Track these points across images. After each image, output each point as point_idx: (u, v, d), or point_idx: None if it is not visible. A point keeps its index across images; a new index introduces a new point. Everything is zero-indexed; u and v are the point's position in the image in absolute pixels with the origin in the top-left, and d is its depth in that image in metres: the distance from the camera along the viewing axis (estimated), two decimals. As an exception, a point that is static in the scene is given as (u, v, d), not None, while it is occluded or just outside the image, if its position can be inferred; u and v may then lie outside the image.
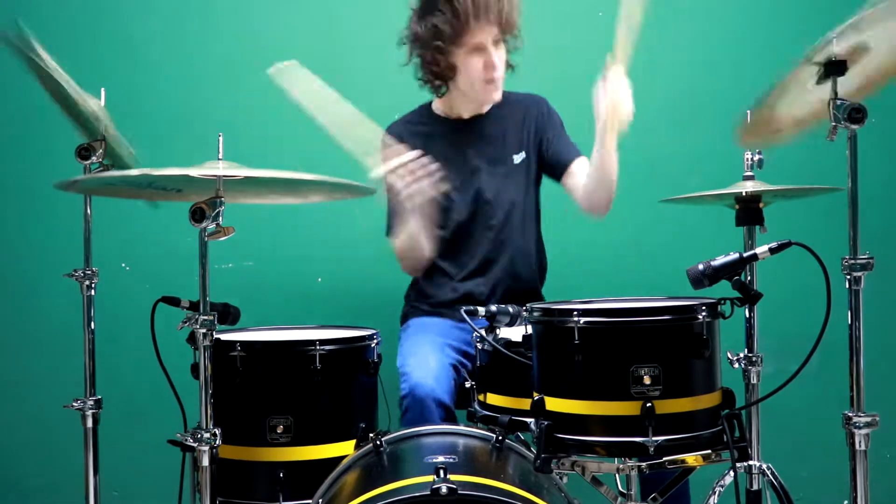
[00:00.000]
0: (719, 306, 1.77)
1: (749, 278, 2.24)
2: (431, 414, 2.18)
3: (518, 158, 2.59)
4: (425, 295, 2.59)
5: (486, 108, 2.58)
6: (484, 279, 2.53)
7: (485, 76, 2.46)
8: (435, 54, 2.43)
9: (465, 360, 2.39)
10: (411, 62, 2.53)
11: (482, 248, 2.54)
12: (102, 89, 2.22)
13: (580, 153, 2.60)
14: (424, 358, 2.29)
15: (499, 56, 2.46)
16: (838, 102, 1.77)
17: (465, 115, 2.59)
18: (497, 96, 2.54)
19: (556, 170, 2.61)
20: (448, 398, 2.23)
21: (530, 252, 2.61)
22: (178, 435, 1.86)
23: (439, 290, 2.57)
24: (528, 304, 1.84)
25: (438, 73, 2.47)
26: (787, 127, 2.08)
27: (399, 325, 2.66)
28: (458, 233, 2.54)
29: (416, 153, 2.29)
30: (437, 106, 2.62)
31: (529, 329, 1.84)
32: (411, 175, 2.28)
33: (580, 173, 2.55)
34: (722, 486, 2.27)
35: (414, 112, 2.65)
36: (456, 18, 2.36)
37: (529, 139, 2.61)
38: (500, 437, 1.86)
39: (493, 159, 2.57)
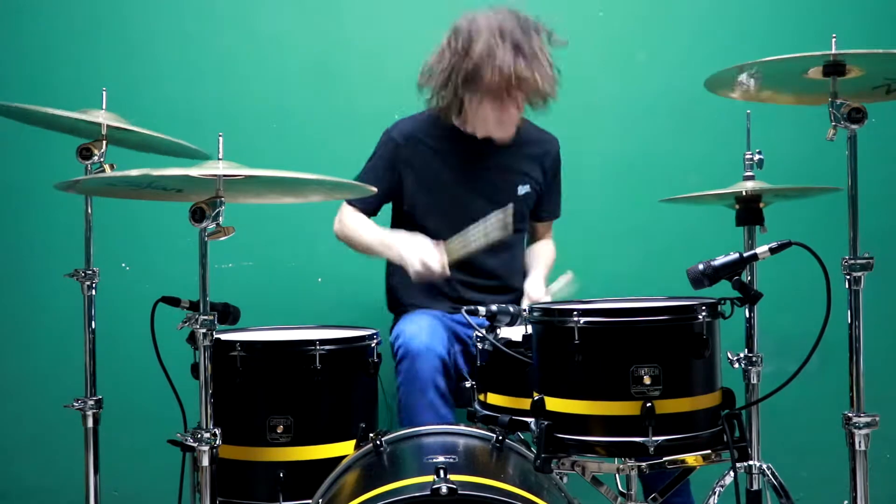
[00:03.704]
0: (719, 306, 1.77)
1: (749, 278, 2.24)
2: (426, 364, 2.19)
3: (522, 190, 2.60)
4: (407, 291, 2.60)
5: (499, 134, 2.55)
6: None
7: (498, 118, 2.46)
8: (453, 97, 2.46)
9: (458, 344, 2.40)
10: (426, 89, 2.53)
11: (478, 279, 2.56)
12: (103, 89, 2.21)
13: (558, 214, 2.77)
14: (417, 322, 2.33)
15: (517, 107, 2.46)
16: (838, 103, 1.77)
17: (479, 135, 2.54)
18: (507, 138, 2.52)
19: (535, 216, 2.73)
20: (445, 353, 2.24)
21: (515, 279, 2.64)
22: (178, 435, 1.86)
23: (429, 296, 2.57)
24: (528, 304, 1.84)
25: (450, 106, 2.50)
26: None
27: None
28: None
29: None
30: (453, 116, 2.56)
31: (529, 329, 1.84)
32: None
33: (542, 230, 2.77)
34: (722, 486, 2.26)
35: (425, 116, 2.59)
36: (497, 83, 2.37)
37: (538, 175, 2.63)
38: (500, 437, 1.86)
39: (499, 187, 2.57)
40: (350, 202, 2.59)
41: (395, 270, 2.63)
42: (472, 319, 2.05)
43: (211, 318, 1.82)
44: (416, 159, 2.50)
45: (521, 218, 2.63)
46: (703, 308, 1.72)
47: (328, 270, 3.00)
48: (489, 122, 2.47)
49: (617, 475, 2.11)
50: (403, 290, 2.61)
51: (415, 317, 2.42)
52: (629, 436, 1.66)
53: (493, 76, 2.34)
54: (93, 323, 2.23)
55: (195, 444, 1.81)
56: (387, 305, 2.69)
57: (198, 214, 1.75)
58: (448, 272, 2.38)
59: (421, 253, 2.38)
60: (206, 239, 1.80)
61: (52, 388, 2.63)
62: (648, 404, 1.63)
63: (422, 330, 2.27)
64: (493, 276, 2.58)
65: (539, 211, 2.71)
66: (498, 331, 2.07)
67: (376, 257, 2.59)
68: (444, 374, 2.23)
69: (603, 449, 1.69)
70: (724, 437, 1.71)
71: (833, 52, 1.76)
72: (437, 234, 2.45)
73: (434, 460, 1.71)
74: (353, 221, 2.59)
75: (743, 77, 1.93)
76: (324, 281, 3.00)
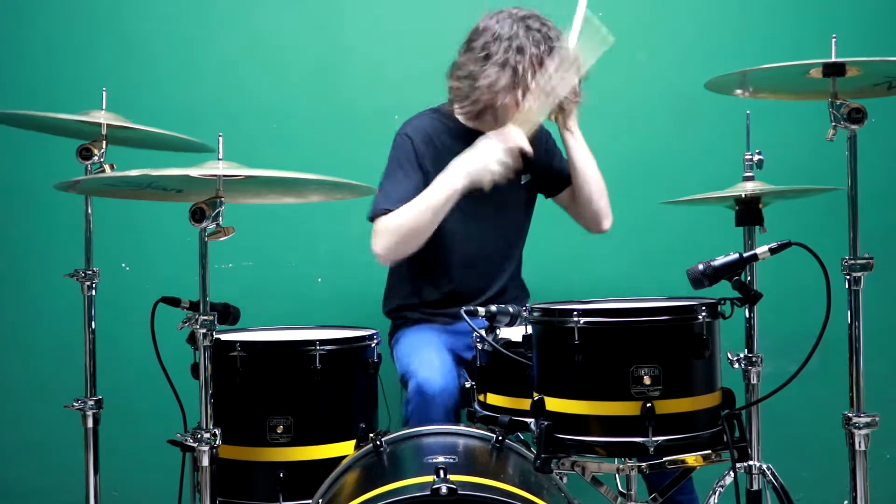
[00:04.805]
0: (719, 306, 1.77)
1: (749, 278, 2.24)
2: (439, 409, 2.16)
3: (524, 179, 2.59)
4: (412, 303, 2.58)
5: None
6: (474, 300, 2.52)
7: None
8: (477, 94, 2.41)
9: (461, 366, 2.39)
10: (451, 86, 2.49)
11: (478, 267, 2.54)
12: (103, 89, 2.21)
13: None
14: (429, 359, 2.27)
15: None
16: (838, 103, 1.77)
17: (486, 130, 2.50)
18: None
19: (564, 183, 2.64)
20: (457, 392, 2.21)
21: (518, 272, 2.65)
22: (178, 435, 1.86)
23: (428, 295, 2.56)
24: (527, 304, 1.84)
25: (472, 101, 2.44)
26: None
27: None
28: (461, 244, 2.52)
29: None
30: (460, 114, 2.54)
31: (529, 329, 1.84)
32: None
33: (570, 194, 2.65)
34: (722, 487, 2.26)
35: (434, 113, 2.57)
36: (515, 87, 2.35)
37: (532, 160, 2.62)
38: (500, 437, 1.86)
39: (505, 179, 2.57)
40: (387, 210, 2.39)
41: (395, 274, 2.63)
42: (471, 321, 2.04)
43: (211, 318, 1.82)
44: (431, 158, 2.49)
45: (525, 207, 2.63)
46: (703, 308, 1.72)
47: (328, 270, 3.00)
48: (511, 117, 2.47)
49: (617, 475, 2.12)
50: (403, 299, 2.60)
51: (423, 348, 2.35)
52: (629, 436, 1.66)
53: (527, 92, 2.35)
54: (93, 323, 2.23)
55: (195, 444, 1.81)
56: (382, 309, 2.67)
57: (198, 214, 1.75)
58: (529, 147, 2.32)
59: (491, 149, 2.30)
60: (206, 239, 1.80)
61: (52, 389, 2.64)
62: (648, 404, 1.63)
63: (434, 370, 2.21)
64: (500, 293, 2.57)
65: (558, 181, 2.65)
66: (497, 331, 2.07)
67: (443, 213, 2.36)
68: (455, 415, 2.21)
69: (603, 449, 1.69)
70: (724, 437, 1.71)
71: (833, 59, 1.78)
72: (451, 234, 2.45)
73: (434, 460, 1.71)
74: (393, 217, 2.37)
75: (743, 81, 1.94)
76: (324, 281, 3.00)
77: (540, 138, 2.65)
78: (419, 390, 2.18)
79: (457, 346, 2.42)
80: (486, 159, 2.32)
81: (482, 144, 2.35)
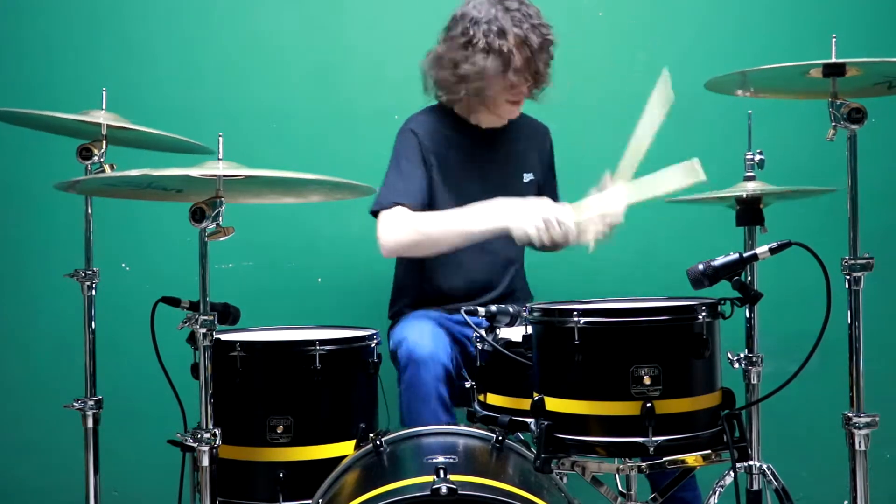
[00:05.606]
0: (719, 306, 1.77)
1: (749, 278, 2.24)
2: (429, 373, 2.17)
3: (527, 178, 2.60)
4: (415, 297, 2.59)
5: (501, 123, 2.56)
6: (480, 299, 2.53)
7: (510, 97, 2.45)
8: (464, 83, 2.40)
9: (457, 345, 2.40)
10: (430, 80, 2.50)
11: (482, 262, 2.55)
12: (103, 89, 2.21)
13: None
14: (419, 329, 2.30)
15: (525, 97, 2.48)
16: (838, 103, 1.77)
17: (484, 126, 2.55)
18: (516, 115, 2.53)
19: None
20: (448, 360, 2.22)
21: (521, 269, 2.67)
22: (178, 435, 1.86)
23: (431, 292, 2.57)
24: (527, 304, 1.84)
25: (458, 90, 2.44)
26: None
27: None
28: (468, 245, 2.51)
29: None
30: (458, 109, 2.56)
31: (529, 329, 1.84)
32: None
33: None
34: (722, 487, 2.27)
35: (435, 110, 2.58)
36: (504, 70, 2.35)
37: (536, 162, 2.62)
38: (500, 437, 1.86)
39: (507, 176, 2.57)
40: (398, 203, 2.39)
41: (401, 278, 2.63)
42: (471, 320, 2.05)
43: (211, 318, 1.82)
44: (435, 153, 2.49)
45: None
46: (703, 308, 1.72)
47: (328, 270, 3.00)
48: (501, 101, 2.47)
49: (617, 475, 2.11)
50: (405, 294, 2.61)
51: (415, 322, 2.39)
52: (629, 436, 1.66)
53: (517, 73, 2.35)
54: (93, 323, 2.23)
55: (195, 444, 1.81)
56: (388, 313, 2.68)
57: (198, 214, 1.76)
58: (573, 230, 2.25)
59: (542, 209, 2.23)
60: (206, 239, 1.80)
61: (52, 389, 2.64)
62: (648, 404, 1.63)
63: (424, 336, 2.24)
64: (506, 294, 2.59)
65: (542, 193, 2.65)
66: (497, 331, 2.07)
67: (467, 243, 2.35)
68: (446, 382, 2.21)
69: (603, 449, 1.69)
70: (724, 437, 1.71)
71: (833, 60, 1.78)
72: None
73: (434, 460, 1.71)
74: (421, 217, 2.38)
75: (743, 81, 1.94)
76: (324, 281, 3.00)
77: (544, 140, 2.66)
78: (409, 355, 2.20)
79: (453, 328, 2.43)
80: (531, 217, 2.24)
81: (536, 202, 2.30)
